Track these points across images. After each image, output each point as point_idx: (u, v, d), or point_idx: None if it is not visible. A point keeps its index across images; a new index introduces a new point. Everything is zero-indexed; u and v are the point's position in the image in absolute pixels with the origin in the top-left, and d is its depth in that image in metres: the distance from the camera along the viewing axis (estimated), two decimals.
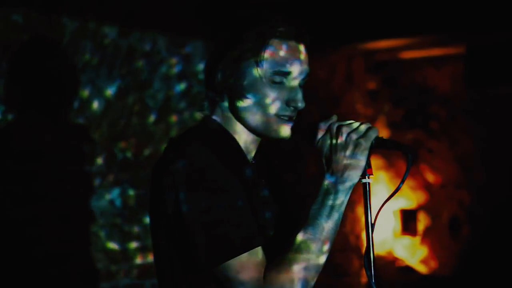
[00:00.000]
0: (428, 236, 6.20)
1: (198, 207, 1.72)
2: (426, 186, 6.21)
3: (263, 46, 1.83)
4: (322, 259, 1.75)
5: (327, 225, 1.75)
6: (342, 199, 1.77)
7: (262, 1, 4.56)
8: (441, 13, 4.92)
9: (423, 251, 6.20)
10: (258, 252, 1.73)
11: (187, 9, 4.48)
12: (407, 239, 6.22)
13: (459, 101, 6.03)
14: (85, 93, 3.96)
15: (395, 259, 6.24)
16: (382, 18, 5.12)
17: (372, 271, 1.78)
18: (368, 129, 1.81)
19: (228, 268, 1.72)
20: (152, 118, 4.29)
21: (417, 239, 6.22)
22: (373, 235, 1.79)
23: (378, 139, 1.80)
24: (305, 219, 1.77)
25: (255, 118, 1.86)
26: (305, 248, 1.73)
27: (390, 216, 6.18)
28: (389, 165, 6.15)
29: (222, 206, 1.72)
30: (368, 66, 6.23)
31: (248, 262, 1.71)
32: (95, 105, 3.99)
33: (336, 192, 1.76)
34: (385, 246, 6.22)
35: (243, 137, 1.91)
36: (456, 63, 5.81)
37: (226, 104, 1.89)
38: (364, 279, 5.94)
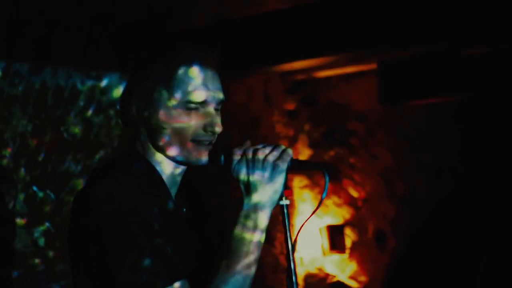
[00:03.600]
0: (356, 251, 6.28)
1: (120, 239, 1.70)
2: (351, 202, 6.29)
3: (172, 75, 1.84)
4: (248, 283, 1.76)
5: (250, 249, 1.77)
6: (263, 222, 1.79)
7: (177, 30, 4.57)
8: (350, 32, 5.02)
9: (352, 266, 6.27)
10: (182, 285, 1.73)
11: (101, 41, 4.45)
12: (336, 255, 6.28)
13: (376, 116, 6.16)
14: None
15: (326, 276, 6.30)
16: (295, 40, 5.19)
17: None
18: (283, 151, 1.82)
19: None
20: (71, 152, 4.23)
21: (346, 254, 6.29)
22: (295, 255, 1.82)
23: (293, 160, 1.82)
24: (228, 245, 1.78)
25: (174, 146, 1.86)
26: (231, 274, 1.74)
27: (317, 234, 6.23)
28: (313, 184, 6.22)
29: (143, 240, 1.71)
30: (285, 87, 6.31)
31: None
32: (11, 144, 3.91)
33: (256, 216, 1.79)
34: (316, 264, 6.27)
35: (167, 168, 1.90)
36: (370, 79, 5.94)
37: (144, 136, 1.89)
38: None
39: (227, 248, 1.78)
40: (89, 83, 4.35)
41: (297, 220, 6.01)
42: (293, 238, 1.82)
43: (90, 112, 4.35)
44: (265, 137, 5.87)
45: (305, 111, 6.42)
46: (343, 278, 6.27)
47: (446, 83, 5.29)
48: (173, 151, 1.86)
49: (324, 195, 1.79)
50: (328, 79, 6.26)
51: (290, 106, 6.38)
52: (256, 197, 1.79)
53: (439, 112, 5.80)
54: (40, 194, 4.05)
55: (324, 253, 6.24)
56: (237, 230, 1.79)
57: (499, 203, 5.49)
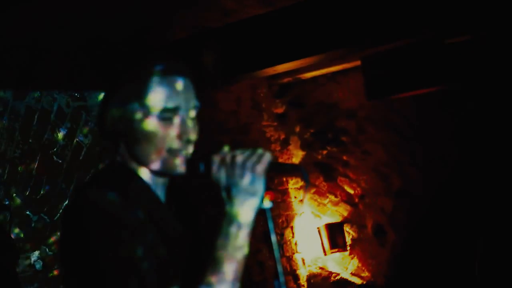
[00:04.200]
0: (357, 248, 6.28)
1: (108, 249, 1.70)
2: (347, 199, 6.30)
3: (143, 86, 1.85)
4: None
5: (234, 255, 1.77)
6: (246, 226, 1.79)
7: (157, 44, 4.58)
8: (331, 30, 5.02)
9: (354, 262, 6.27)
10: None
11: (82, 63, 4.45)
12: (337, 253, 6.29)
13: (365, 112, 6.17)
14: None
15: (329, 274, 6.30)
16: (277, 43, 5.19)
17: None
18: (261, 155, 1.81)
19: None
20: (62, 174, 4.23)
21: (347, 251, 6.30)
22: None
23: (272, 163, 1.82)
24: (210, 253, 1.77)
25: (150, 157, 1.86)
26: (215, 283, 1.74)
27: (317, 234, 6.24)
28: (309, 185, 6.22)
29: (132, 247, 1.71)
30: (273, 91, 6.32)
31: None
32: (0, 170, 3.92)
33: (239, 221, 1.78)
34: (318, 263, 6.27)
35: (149, 176, 1.91)
36: (356, 76, 5.95)
37: (123, 148, 1.90)
38: None
39: (210, 256, 1.78)
40: (75, 104, 4.35)
41: (296, 221, 6.01)
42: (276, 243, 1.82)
43: (78, 133, 4.35)
44: (256, 142, 5.87)
45: (294, 113, 6.43)
46: (346, 275, 6.27)
47: (431, 73, 5.30)
48: (150, 162, 1.87)
49: (305, 195, 1.79)
50: (314, 79, 6.27)
51: (279, 109, 6.39)
52: (237, 203, 1.79)
53: (428, 102, 5.81)
54: (34, 218, 4.05)
55: (325, 252, 6.25)
56: (220, 239, 1.78)
57: (494, 189, 5.50)
